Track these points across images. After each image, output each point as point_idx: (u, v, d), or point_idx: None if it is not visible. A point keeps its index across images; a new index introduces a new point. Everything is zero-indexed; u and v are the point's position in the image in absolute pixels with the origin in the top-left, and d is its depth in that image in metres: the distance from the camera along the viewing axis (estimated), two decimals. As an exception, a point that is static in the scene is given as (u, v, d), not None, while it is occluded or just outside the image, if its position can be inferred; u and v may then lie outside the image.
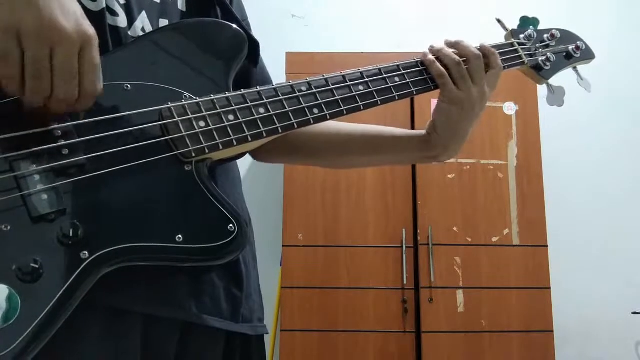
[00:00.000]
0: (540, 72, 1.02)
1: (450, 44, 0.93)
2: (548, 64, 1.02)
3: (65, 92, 0.59)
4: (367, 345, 2.57)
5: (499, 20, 1.03)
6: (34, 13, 0.57)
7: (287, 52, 2.85)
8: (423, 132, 0.97)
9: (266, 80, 0.97)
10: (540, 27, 1.05)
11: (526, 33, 1.03)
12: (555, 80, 1.04)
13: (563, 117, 3.00)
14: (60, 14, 0.58)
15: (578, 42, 1.06)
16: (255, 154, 1.00)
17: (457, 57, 0.91)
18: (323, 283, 2.63)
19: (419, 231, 2.66)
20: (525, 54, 1.01)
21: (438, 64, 0.91)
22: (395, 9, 3.39)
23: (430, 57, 0.92)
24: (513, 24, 1.07)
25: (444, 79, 0.91)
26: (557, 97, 1.02)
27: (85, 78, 0.61)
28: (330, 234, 2.67)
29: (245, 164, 3.39)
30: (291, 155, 1.03)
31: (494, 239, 2.65)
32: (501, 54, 0.97)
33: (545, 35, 1.04)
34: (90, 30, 0.61)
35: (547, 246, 2.64)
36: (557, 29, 1.05)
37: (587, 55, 1.07)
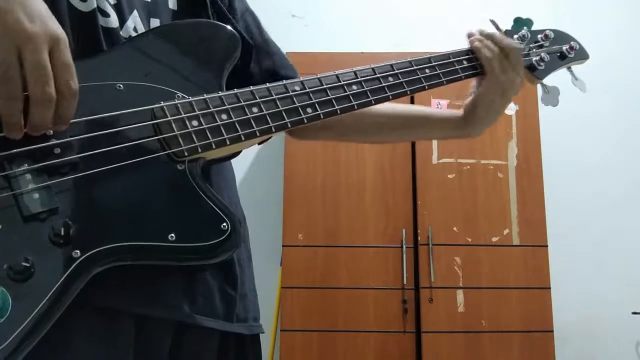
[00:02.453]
0: (534, 72, 1.03)
1: (487, 36, 0.98)
2: (542, 64, 1.02)
3: (41, 93, 0.58)
4: (367, 345, 2.57)
5: (492, 21, 1.03)
6: None
7: (287, 52, 2.83)
8: (458, 113, 1.02)
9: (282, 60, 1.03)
10: (534, 28, 1.05)
11: (520, 33, 1.03)
12: (549, 80, 1.04)
13: (563, 117, 3.00)
14: (25, 16, 0.57)
15: (572, 42, 1.06)
16: (292, 132, 0.99)
17: (495, 48, 0.96)
18: (323, 283, 2.63)
19: (419, 231, 2.65)
20: None
21: (487, 49, 0.96)
22: (395, 9, 3.39)
23: (477, 42, 0.98)
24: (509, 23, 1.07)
25: (492, 63, 0.95)
26: (551, 97, 1.02)
27: (58, 78, 0.59)
28: (330, 234, 2.67)
29: (245, 164, 3.40)
30: (325, 131, 1.04)
31: (494, 239, 2.65)
32: None
33: (539, 36, 1.05)
34: (58, 30, 0.60)
35: (547, 246, 2.64)
36: (550, 30, 1.05)
37: (581, 55, 1.07)
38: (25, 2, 0.58)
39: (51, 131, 0.62)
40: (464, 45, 0.99)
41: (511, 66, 0.96)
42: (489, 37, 0.98)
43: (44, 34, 0.58)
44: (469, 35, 1.00)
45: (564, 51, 1.05)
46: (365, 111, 0.95)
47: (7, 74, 0.56)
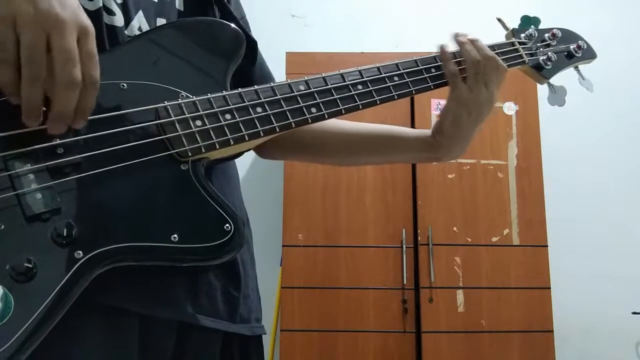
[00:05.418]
0: (541, 72, 1.01)
1: (470, 40, 0.93)
2: (549, 63, 1.01)
3: (68, 75, 0.58)
4: (367, 345, 2.57)
5: (499, 20, 1.02)
6: (31, 2, 0.57)
7: (287, 52, 2.85)
8: (428, 132, 0.97)
9: (266, 76, 0.97)
10: (541, 26, 1.04)
11: (527, 32, 1.02)
12: (556, 79, 1.03)
13: (563, 117, 3.00)
14: (57, 3, 0.58)
15: (579, 42, 1.05)
16: (261, 151, 1.00)
17: (476, 56, 0.90)
18: (323, 283, 2.62)
19: (419, 231, 2.65)
20: (526, 53, 1.00)
21: (453, 63, 0.91)
22: (395, 9, 3.38)
23: (449, 53, 0.91)
24: (513, 22, 1.06)
25: (456, 79, 0.90)
26: (558, 96, 1.01)
27: (82, 66, 0.59)
28: (330, 234, 2.67)
29: (245, 163, 3.39)
30: (298, 152, 1.03)
31: (494, 239, 2.65)
32: (502, 53, 0.96)
33: (547, 35, 1.04)
34: (87, 21, 0.61)
35: (547, 246, 2.64)
36: (558, 28, 1.04)
37: (589, 54, 1.06)
38: None
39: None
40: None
41: (482, 80, 0.90)
42: (473, 43, 0.92)
43: (74, 21, 0.59)
44: (454, 37, 0.93)
45: (571, 50, 1.04)
46: (332, 131, 0.96)
47: (34, 56, 0.57)
